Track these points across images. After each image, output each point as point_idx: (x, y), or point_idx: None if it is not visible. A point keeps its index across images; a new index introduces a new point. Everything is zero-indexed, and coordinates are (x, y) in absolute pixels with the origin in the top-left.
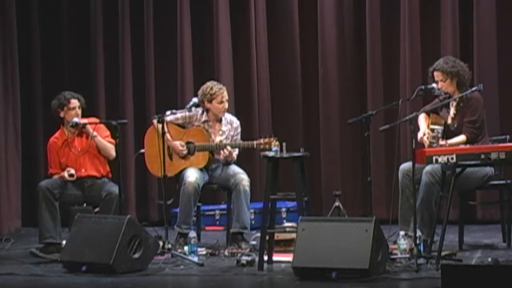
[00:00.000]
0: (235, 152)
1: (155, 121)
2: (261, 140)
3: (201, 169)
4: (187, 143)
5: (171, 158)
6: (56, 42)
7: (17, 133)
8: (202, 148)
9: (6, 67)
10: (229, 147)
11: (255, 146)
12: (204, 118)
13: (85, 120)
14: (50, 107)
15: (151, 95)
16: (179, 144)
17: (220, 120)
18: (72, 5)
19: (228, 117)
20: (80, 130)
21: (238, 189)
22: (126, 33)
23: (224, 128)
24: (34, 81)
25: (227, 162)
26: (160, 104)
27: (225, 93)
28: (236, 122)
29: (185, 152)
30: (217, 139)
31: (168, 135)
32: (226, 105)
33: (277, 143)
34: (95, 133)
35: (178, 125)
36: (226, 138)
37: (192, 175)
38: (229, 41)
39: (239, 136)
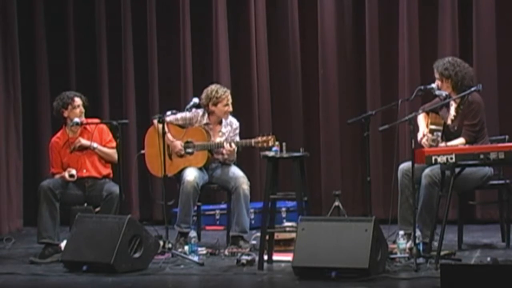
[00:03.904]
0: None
1: (155, 121)
2: (259, 138)
3: (200, 169)
4: (187, 142)
5: (170, 158)
6: (60, 43)
7: (18, 133)
8: (202, 147)
9: (7, 68)
10: (233, 144)
11: (253, 144)
12: (205, 120)
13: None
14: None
15: (154, 96)
16: (179, 144)
17: (220, 122)
18: (76, 6)
19: (228, 118)
20: (82, 130)
21: (238, 193)
22: (128, 35)
23: (224, 129)
24: (37, 82)
25: (226, 162)
26: (162, 105)
27: (229, 96)
28: (235, 124)
29: (183, 152)
30: (217, 140)
31: (169, 135)
32: (231, 108)
33: (276, 142)
34: (94, 145)
35: (178, 125)
36: (226, 139)
37: (191, 174)
38: (227, 42)
39: (237, 137)
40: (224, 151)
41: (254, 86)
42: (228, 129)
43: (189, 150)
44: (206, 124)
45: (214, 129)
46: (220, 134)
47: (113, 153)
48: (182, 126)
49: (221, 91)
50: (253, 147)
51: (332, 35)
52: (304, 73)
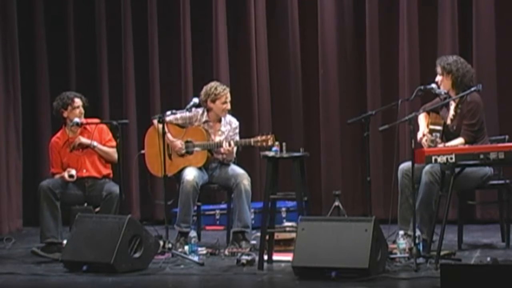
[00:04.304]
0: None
1: (155, 121)
2: (258, 138)
3: (200, 168)
4: (186, 142)
5: (170, 158)
6: (60, 43)
7: (18, 133)
8: (201, 147)
9: (7, 68)
10: (232, 143)
11: (252, 143)
12: (204, 118)
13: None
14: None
15: (155, 96)
16: (179, 143)
17: (219, 120)
18: (76, 6)
19: (228, 117)
20: (82, 130)
21: (239, 189)
22: (128, 35)
23: (223, 128)
24: (37, 82)
25: (225, 162)
26: (163, 105)
27: (228, 94)
28: (235, 123)
29: (183, 151)
30: (216, 139)
31: (168, 134)
32: (229, 105)
33: (276, 142)
34: (94, 143)
35: (178, 125)
36: (225, 138)
37: (191, 174)
38: (227, 42)
39: (237, 137)
40: (222, 150)
41: (254, 86)
42: (228, 128)
43: (188, 149)
44: (206, 121)
45: (213, 127)
46: (220, 133)
47: (113, 152)
48: (182, 126)
49: (220, 88)
50: (252, 146)
51: (332, 35)
52: (304, 73)
